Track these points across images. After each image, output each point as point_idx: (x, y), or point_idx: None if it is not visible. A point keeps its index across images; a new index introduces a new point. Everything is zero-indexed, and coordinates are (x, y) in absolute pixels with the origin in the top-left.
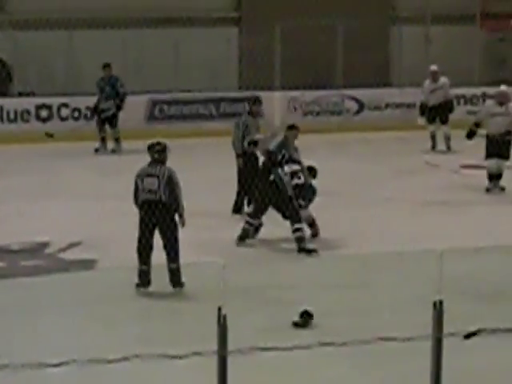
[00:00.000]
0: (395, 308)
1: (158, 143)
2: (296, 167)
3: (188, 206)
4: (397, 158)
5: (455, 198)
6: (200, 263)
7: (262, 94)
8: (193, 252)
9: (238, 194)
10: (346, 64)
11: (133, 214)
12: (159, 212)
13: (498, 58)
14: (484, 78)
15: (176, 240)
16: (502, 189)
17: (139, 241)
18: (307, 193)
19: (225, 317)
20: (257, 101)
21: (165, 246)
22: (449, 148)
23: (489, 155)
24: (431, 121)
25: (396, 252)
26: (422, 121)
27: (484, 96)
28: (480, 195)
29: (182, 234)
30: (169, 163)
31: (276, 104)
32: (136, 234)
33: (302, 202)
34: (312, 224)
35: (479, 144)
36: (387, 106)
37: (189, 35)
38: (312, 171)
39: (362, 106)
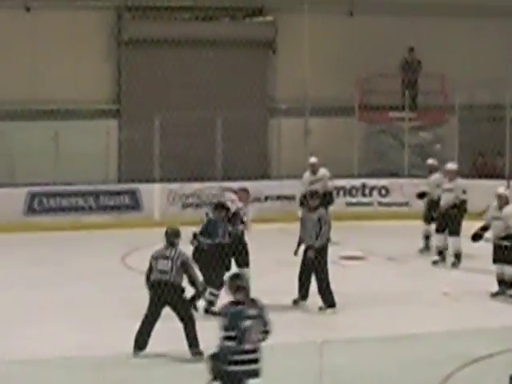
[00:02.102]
0: None
1: (173, 228)
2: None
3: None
4: (278, 250)
5: (339, 289)
6: None
7: (141, 187)
8: None
9: None
10: (225, 156)
11: None
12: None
13: (377, 149)
14: (363, 169)
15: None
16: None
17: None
18: None
19: None
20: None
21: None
22: (328, 240)
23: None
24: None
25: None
26: (301, 213)
27: (364, 187)
28: (359, 286)
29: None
30: (46, 256)
31: (155, 196)
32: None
33: None
34: None
35: (357, 235)
36: (267, 198)
37: (68, 127)
38: None
39: None
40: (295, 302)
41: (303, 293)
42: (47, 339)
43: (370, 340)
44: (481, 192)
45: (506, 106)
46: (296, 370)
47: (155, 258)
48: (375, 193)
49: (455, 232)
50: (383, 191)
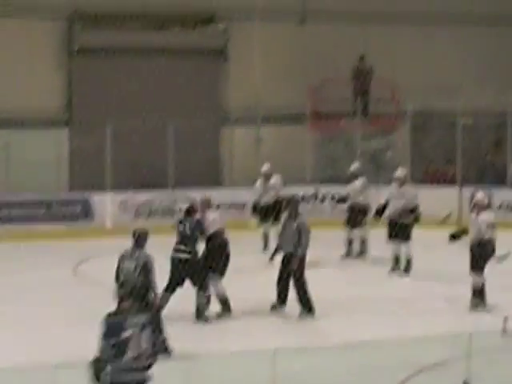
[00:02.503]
0: None
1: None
2: None
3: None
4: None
5: (292, 296)
6: None
7: (93, 196)
8: None
9: None
10: (177, 164)
11: None
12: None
13: (329, 156)
14: (316, 176)
15: None
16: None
17: None
18: None
19: None
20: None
21: None
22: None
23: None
24: (263, 220)
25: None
26: (254, 221)
27: (316, 194)
28: (314, 293)
29: None
30: None
31: (107, 205)
32: None
33: None
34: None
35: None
36: (219, 206)
37: (19, 136)
38: None
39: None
40: (273, 308)
41: (282, 298)
42: None
43: (323, 347)
44: (432, 199)
45: (457, 113)
46: (248, 378)
47: (122, 258)
48: (327, 200)
49: (406, 238)
50: (335, 198)
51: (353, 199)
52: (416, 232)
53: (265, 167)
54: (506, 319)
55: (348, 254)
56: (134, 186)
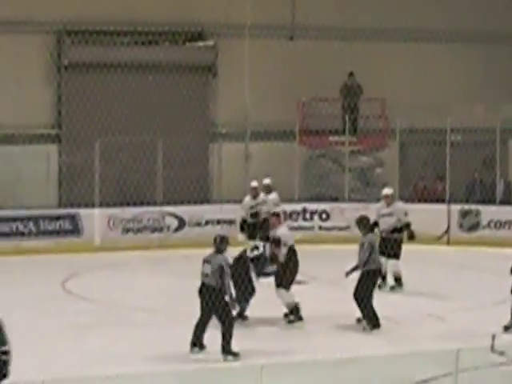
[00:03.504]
0: None
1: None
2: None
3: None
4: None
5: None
6: None
7: (82, 212)
8: None
9: None
10: (166, 180)
11: None
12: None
13: (317, 173)
14: (304, 193)
15: None
16: None
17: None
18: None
19: None
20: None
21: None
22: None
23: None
24: (252, 237)
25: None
26: (242, 237)
27: (304, 212)
28: (303, 311)
29: None
30: None
31: (96, 221)
32: None
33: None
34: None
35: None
36: (207, 222)
37: (8, 152)
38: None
39: (182, 223)
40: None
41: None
42: None
43: (311, 363)
44: (421, 216)
45: (446, 130)
46: None
47: (203, 261)
48: (316, 217)
49: (395, 255)
50: (324, 215)
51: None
52: (409, 249)
53: (254, 183)
54: (494, 336)
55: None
56: (123, 202)
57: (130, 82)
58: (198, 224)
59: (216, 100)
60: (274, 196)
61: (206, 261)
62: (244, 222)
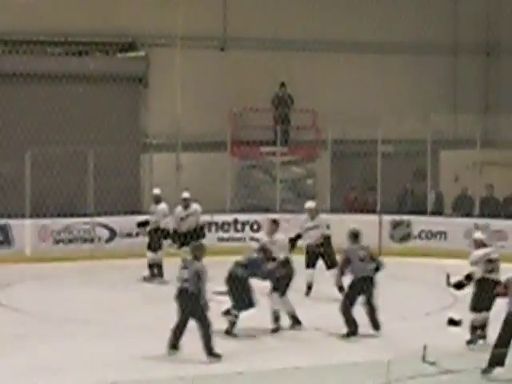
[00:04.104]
0: None
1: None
2: None
3: None
4: (149, 285)
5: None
6: None
7: (12, 222)
8: None
9: None
10: (97, 191)
11: None
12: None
13: (249, 184)
14: (236, 204)
15: None
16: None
17: None
18: None
19: None
20: None
21: None
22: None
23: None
24: (183, 247)
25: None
26: (173, 247)
27: (236, 223)
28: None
29: None
30: None
31: (26, 232)
32: None
33: None
34: None
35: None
36: (138, 233)
37: None
38: None
39: (113, 234)
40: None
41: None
42: None
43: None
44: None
45: (377, 141)
46: None
47: (180, 267)
48: (247, 228)
49: (333, 265)
50: (255, 226)
51: (156, 223)
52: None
53: (184, 194)
54: (425, 347)
55: (151, 276)
56: (54, 213)
57: (61, 93)
58: (129, 235)
59: (147, 111)
60: (196, 206)
61: (183, 267)
62: (175, 232)
